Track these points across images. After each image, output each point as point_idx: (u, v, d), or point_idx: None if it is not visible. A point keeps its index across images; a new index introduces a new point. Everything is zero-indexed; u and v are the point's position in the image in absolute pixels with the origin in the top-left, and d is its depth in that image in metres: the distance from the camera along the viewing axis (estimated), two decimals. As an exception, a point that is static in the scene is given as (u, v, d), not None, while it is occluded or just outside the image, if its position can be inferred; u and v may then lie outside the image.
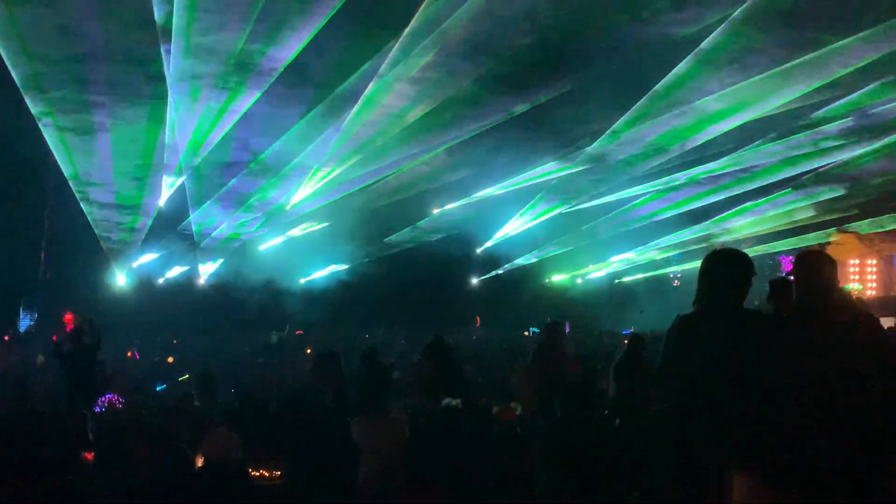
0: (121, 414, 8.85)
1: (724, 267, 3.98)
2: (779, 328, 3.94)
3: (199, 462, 7.01)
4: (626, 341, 10.54)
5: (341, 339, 17.71)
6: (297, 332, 18.79)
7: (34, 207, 18.72)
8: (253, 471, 6.93)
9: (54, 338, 11.65)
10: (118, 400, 9.55)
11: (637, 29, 10.65)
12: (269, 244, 21.03)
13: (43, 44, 10.77)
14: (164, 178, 16.83)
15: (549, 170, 16.92)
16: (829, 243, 24.60)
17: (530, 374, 9.91)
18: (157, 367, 14.88)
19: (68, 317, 12.07)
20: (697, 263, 4.18)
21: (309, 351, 15.09)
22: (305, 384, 9.54)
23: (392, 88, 12.35)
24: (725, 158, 16.25)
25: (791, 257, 25.82)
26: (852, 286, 25.09)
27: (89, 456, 6.64)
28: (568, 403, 5.99)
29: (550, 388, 8.29)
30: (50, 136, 14.21)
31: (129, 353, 16.27)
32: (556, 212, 20.29)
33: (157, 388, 12.28)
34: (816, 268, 3.98)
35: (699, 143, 14.86)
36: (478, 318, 21.38)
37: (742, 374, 3.63)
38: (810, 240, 23.98)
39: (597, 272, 26.27)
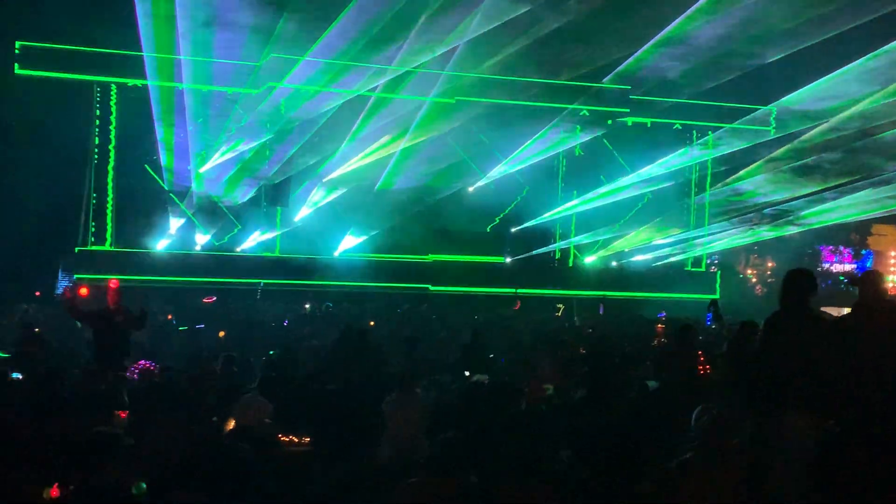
0: (154, 379, 9.04)
1: (794, 281, 5.71)
2: (829, 326, 5.73)
3: (230, 426, 7.16)
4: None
5: (369, 312, 17.73)
6: (327, 305, 18.79)
7: (76, 170, 18.96)
8: (282, 436, 7.06)
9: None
10: (153, 366, 9.74)
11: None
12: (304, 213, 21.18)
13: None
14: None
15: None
16: (870, 235, 24.16)
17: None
18: (194, 332, 15.05)
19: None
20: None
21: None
22: (333, 356, 9.67)
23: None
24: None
25: (831, 247, 25.50)
26: (894, 278, 24.62)
27: (123, 414, 6.80)
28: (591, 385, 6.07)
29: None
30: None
31: (168, 317, 16.49)
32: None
33: None
34: (871, 284, 5.78)
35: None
36: (518, 301, 20.83)
37: (801, 353, 5.44)
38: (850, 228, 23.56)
39: (633, 255, 26.06)
